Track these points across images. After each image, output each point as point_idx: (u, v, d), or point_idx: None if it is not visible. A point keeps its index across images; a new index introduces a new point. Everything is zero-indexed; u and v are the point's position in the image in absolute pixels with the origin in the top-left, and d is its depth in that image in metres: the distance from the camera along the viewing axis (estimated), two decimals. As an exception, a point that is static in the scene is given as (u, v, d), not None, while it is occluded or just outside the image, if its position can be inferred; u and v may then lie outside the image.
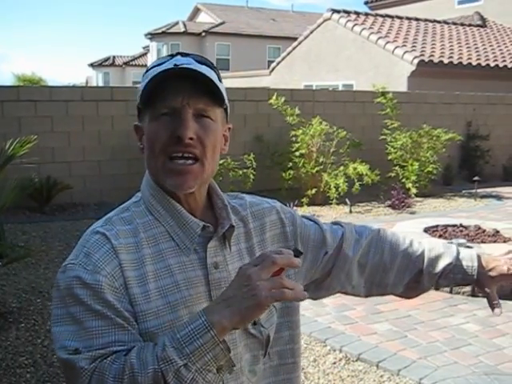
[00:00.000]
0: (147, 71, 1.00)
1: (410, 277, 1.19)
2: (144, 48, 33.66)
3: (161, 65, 0.97)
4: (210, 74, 0.96)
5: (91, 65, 36.84)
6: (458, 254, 1.18)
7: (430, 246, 1.20)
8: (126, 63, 35.70)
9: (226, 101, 1.00)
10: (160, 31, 26.38)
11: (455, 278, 1.16)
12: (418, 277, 1.19)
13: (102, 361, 0.85)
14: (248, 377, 1.02)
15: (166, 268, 0.95)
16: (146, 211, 0.98)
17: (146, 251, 0.95)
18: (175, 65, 0.94)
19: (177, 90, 0.93)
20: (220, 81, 1.00)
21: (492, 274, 1.14)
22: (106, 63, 36.17)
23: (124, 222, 0.97)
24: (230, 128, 1.06)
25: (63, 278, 0.91)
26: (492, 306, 1.13)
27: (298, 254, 0.88)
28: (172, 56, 0.99)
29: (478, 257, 1.17)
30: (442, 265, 1.17)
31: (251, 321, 0.87)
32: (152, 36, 26.98)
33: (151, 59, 27.87)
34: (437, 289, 1.27)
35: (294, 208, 7.15)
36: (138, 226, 0.96)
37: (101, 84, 32.91)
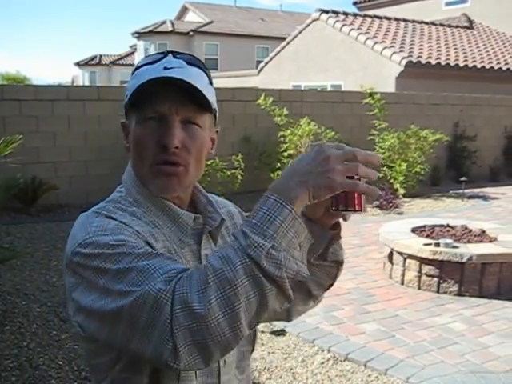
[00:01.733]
0: (136, 69, 0.99)
1: None
2: (131, 47, 33.47)
3: (152, 64, 0.96)
4: (199, 80, 0.95)
5: (77, 64, 36.55)
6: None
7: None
8: (113, 62, 35.48)
9: (215, 105, 1.00)
10: (147, 30, 26.22)
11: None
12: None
13: (178, 280, 0.78)
14: (235, 373, 1.02)
15: (174, 251, 0.95)
16: (135, 203, 0.98)
17: (153, 231, 0.94)
18: (165, 67, 0.94)
19: (165, 95, 0.93)
20: (211, 83, 1.00)
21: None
22: (93, 62, 35.92)
23: (120, 210, 0.95)
24: (217, 131, 1.06)
25: (87, 253, 0.86)
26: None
27: None
28: (163, 55, 0.98)
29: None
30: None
31: (316, 201, 0.82)
32: (139, 35, 26.82)
33: (138, 58, 27.68)
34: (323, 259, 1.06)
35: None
36: (135, 212, 0.96)
37: (87, 83, 32.66)
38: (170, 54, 0.98)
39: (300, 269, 0.80)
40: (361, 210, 0.86)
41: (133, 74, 1.00)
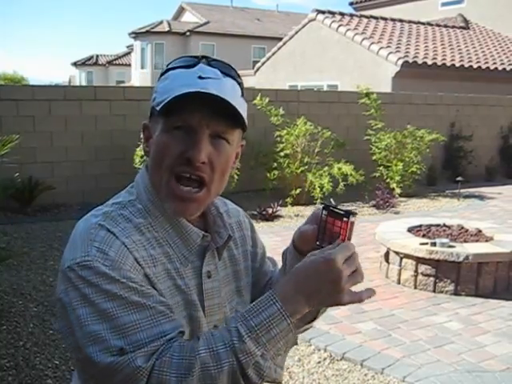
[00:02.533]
0: (168, 70, 0.95)
1: None
2: (128, 47, 33.42)
3: (185, 68, 0.92)
4: (234, 94, 0.92)
5: (74, 64, 36.49)
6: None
7: None
8: (110, 62, 35.44)
9: (245, 120, 0.95)
10: (144, 30, 26.20)
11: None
12: None
13: (158, 357, 0.79)
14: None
15: (174, 270, 0.94)
16: (144, 212, 0.94)
17: (153, 252, 0.91)
18: (200, 77, 0.89)
19: (197, 107, 0.88)
20: (242, 94, 0.97)
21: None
22: (90, 62, 35.88)
23: (125, 220, 0.91)
24: (242, 145, 1.02)
25: (82, 276, 0.82)
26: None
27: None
28: (197, 59, 0.94)
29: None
30: None
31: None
32: (136, 35, 26.78)
33: (135, 58, 27.69)
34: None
35: (278, 208, 7.15)
36: (140, 225, 0.92)
37: (84, 83, 32.60)
38: (204, 60, 0.94)
39: (277, 377, 0.84)
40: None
41: (163, 74, 0.95)
